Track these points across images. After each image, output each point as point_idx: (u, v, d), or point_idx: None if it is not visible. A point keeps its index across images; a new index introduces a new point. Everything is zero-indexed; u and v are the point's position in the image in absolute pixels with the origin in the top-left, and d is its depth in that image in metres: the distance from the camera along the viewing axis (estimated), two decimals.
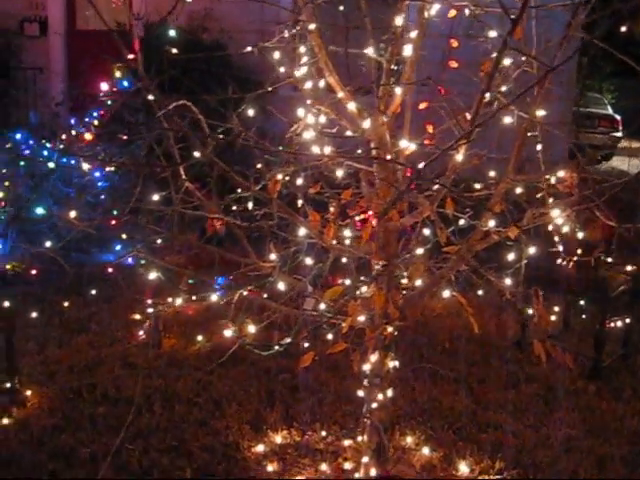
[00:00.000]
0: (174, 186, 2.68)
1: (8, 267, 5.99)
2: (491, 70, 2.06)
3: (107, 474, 3.14)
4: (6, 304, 3.63)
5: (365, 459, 2.98)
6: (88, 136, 6.55)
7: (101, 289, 5.36)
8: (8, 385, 3.77)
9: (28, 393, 3.82)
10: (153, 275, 2.94)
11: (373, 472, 2.91)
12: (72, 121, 7.14)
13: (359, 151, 2.46)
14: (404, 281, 2.72)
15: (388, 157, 2.29)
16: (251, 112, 2.65)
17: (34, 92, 9.06)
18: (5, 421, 3.61)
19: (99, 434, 3.52)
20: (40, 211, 6.01)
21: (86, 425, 3.60)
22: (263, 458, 3.34)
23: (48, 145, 6.68)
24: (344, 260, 2.62)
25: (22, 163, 6.61)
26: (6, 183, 6.37)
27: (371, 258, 2.57)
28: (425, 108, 2.69)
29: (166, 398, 3.87)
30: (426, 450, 3.37)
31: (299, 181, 2.54)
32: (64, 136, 6.93)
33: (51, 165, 6.64)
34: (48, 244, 5.03)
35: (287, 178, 2.48)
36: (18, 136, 6.76)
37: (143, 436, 3.51)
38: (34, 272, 5.67)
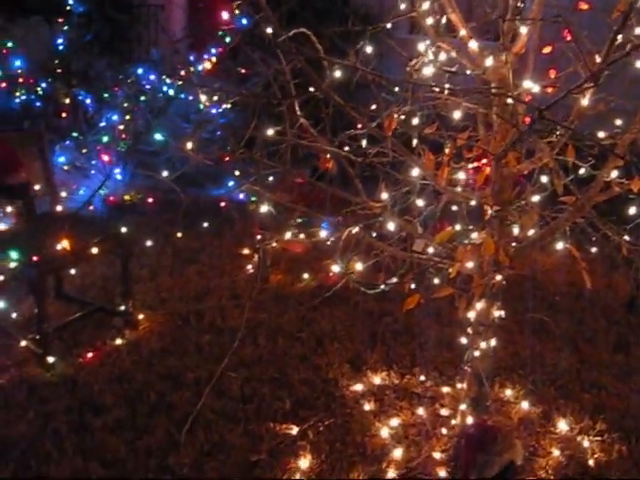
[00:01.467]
0: (289, 121, 2.69)
1: (126, 197, 6.26)
2: (626, 9, 1.94)
3: (210, 398, 3.27)
4: (123, 231, 3.78)
5: (463, 407, 2.97)
6: (208, 65, 6.69)
7: (213, 223, 5.51)
8: (122, 308, 3.96)
9: (140, 317, 4.01)
10: (263, 210, 2.98)
11: (470, 420, 2.90)
12: (191, 57, 7.29)
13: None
14: (516, 230, 2.65)
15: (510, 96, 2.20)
16: (369, 50, 2.61)
17: (156, 29, 9.25)
18: (119, 341, 3.81)
19: (204, 360, 3.65)
20: (157, 143, 6.23)
21: (192, 351, 3.75)
22: (361, 397, 3.38)
23: (168, 80, 6.85)
24: (456, 204, 2.58)
25: (143, 97, 6.84)
26: (127, 116, 6.61)
27: (484, 204, 2.51)
28: (549, 53, 2.57)
29: (270, 331, 3.96)
30: (525, 404, 3.32)
31: (415, 121, 2.50)
32: (183, 72, 7.11)
33: (170, 99, 6.85)
34: (164, 175, 5.18)
35: (402, 117, 2.44)
36: (140, 71, 6.97)
37: (246, 365, 3.62)
38: (150, 202, 5.90)
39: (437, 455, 2.96)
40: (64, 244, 3.41)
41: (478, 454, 2.70)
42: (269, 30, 2.47)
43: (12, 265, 3.44)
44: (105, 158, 6.27)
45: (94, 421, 3.17)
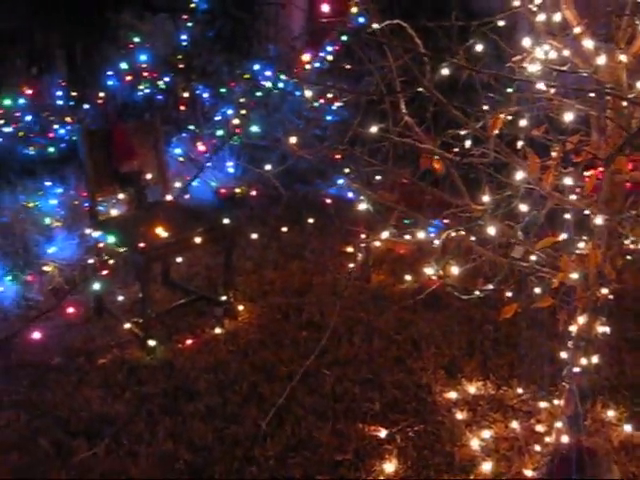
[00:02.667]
0: (392, 119, 2.65)
1: (237, 190, 6.37)
2: None
3: (301, 393, 3.27)
4: (229, 222, 3.84)
5: (559, 424, 2.83)
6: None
7: (318, 219, 5.52)
8: (224, 298, 4.03)
9: (241, 308, 4.07)
10: (365, 208, 2.94)
11: (565, 439, 2.76)
12: (307, 55, 7.34)
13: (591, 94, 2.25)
14: (627, 242, 2.50)
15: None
16: (480, 48, 2.53)
17: (275, 26, 9.38)
18: (218, 330, 3.88)
19: (299, 355, 3.66)
20: (269, 139, 6.32)
21: (288, 345, 3.77)
22: (453, 405, 3.29)
23: (283, 77, 6.94)
24: (561, 210, 2.45)
25: (258, 93, 6.95)
26: (242, 111, 6.74)
27: (592, 212, 2.38)
28: None
29: (367, 331, 3.93)
30: (628, 427, 3.13)
31: (522, 122, 2.40)
32: (298, 69, 7.18)
33: (284, 95, 6.94)
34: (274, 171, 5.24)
35: (509, 118, 2.35)
36: (256, 67, 7.09)
37: (340, 364, 3.60)
38: (258, 196, 5.99)
39: (528, 472, 2.85)
40: (171, 232, 3.50)
41: (572, 476, 2.56)
42: (376, 26, 2.43)
43: (121, 250, 3.57)
44: (216, 151, 6.40)
45: (186, 407, 3.24)
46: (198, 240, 3.60)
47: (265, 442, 3.02)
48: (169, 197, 4.04)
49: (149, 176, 3.93)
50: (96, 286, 3.89)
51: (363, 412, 3.25)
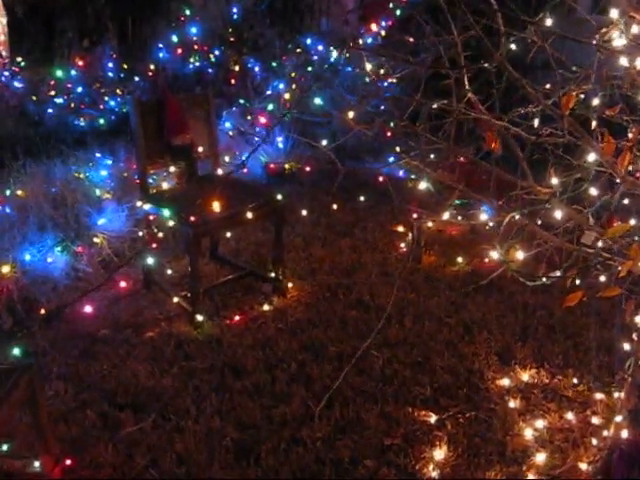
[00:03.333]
0: (456, 96, 2.54)
1: (287, 166, 6.31)
2: None
3: (350, 374, 3.21)
4: (279, 197, 3.77)
5: (618, 418, 2.72)
6: (374, 27, 6.61)
7: (369, 197, 5.44)
8: (272, 275, 3.98)
9: (290, 285, 4.02)
10: (422, 187, 2.85)
11: (624, 434, 2.65)
12: (360, 30, 7.22)
13: None
14: None
15: None
16: (549, 23, 2.40)
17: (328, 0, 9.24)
18: (266, 307, 3.83)
19: (348, 335, 3.60)
20: (321, 114, 6.23)
21: (337, 324, 3.71)
22: (506, 393, 3.20)
23: (335, 51, 6.83)
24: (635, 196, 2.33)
25: (309, 68, 6.86)
26: (293, 86, 6.66)
27: None
28: None
29: (417, 313, 3.84)
30: None
31: (595, 101, 2.27)
32: (351, 44, 7.05)
33: (336, 70, 6.83)
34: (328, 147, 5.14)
35: (582, 96, 2.23)
36: (308, 41, 6.99)
37: (389, 346, 3.53)
38: (308, 172, 5.92)
39: (583, 466, 2.75)
40: (222, 207, 3.45)
41: (631, 473, 2.46)
42: None
43: (171, 224, 3.53)
44: (266, 125, 6.34)
45: (234, 384, 3.20)
46: (250, 216, 3.54)
47: (313, 423, 2.98)
48: (219, 171, 3.98)
49: (200, 149, 3.88)
50: (146, 259, 3.87)
51: (413, 396, 3.18)
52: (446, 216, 2.69)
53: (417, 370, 3.36)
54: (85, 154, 5.77)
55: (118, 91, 7.54)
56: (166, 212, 3.59)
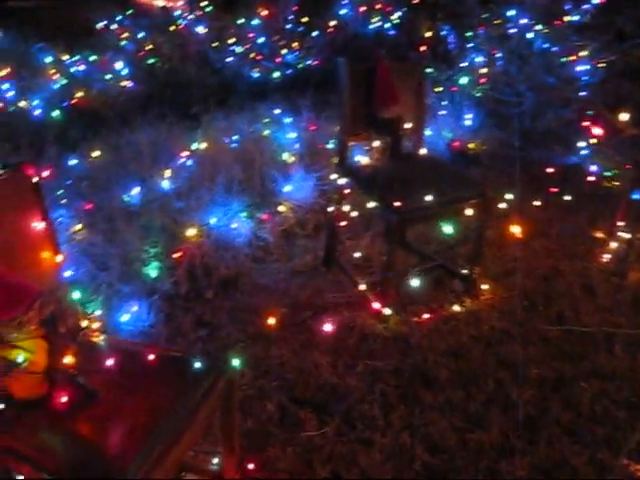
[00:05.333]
0: None
1: (471, 146, 5.85)
2: None
3: (554, 406, 2.80)
4: (489, 192, 3.35)
5: None
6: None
7: (561, 193, 4.88)
8: (465, 272, 3.59)
9: (484, 287, 3.61)
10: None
11: None
12: (567, 5, 6.57)
13: None
14: None
15: None
16: None
17: None
18: (456, 308, 3.45)
19: (550, 357, 3.16)
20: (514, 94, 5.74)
21: (537, 341, 3.26)
22: None
23: (538, 28, 6.25)
24: None
25: (507, 42, 6.32)
26: (489, 60, 6.15)
27: None
28: None
29: (628, 341, 3.33)
30: None
31: None
32: (557, 21, 6.45)
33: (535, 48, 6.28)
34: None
35: None
36: (511, 13, 6.42)
37: (598, 376, 3.06)
38: (494, 155, 5.46)
39: None
40: (430, 194, 3.08)
41: None
42: None
43: (371, 204, 3.20)
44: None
45: (424, 395, 2.86)
46: (468, 212, 3.15)
47: (513, 458, 2.59)
48: (423, 151, 3.60)
49: (408, 125, 3.51)
50: (330, 236, 3.58)
51: (626, 443, 2.72)
52: None
53: (631, 412, 2.89)
54: (264, 109, 5.57)
55: (295, 45, 7.32)
56: (366, 191, 3.25)
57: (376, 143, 3.58)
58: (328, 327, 3.17)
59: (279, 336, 3.16)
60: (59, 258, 2.05)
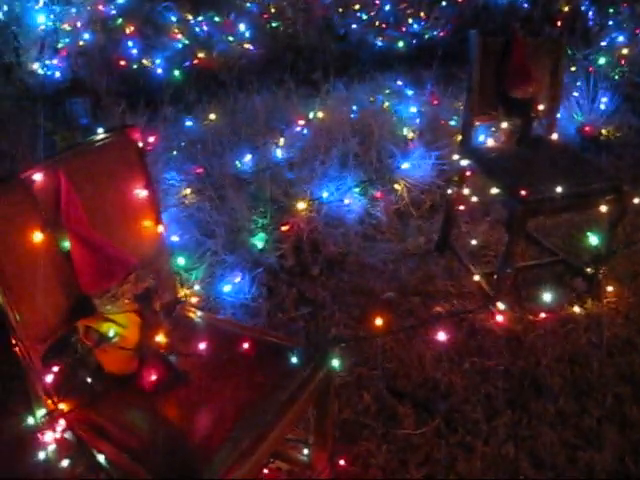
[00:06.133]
0: None
1: (603, 131, 5.45)
2: None
3: None
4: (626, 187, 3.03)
5: None
6: None
7: None
8: (589, 270, 3.30)
9: (609, 289, 3.30)
10: None
11: None
12: None
13: None
14: None
15: None
16: None
17: None
18: (576, 309, 3.18)
19: None
20: None
21: None
22: None
23: None
24: None
25: None
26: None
27: None
28: None
29: None
30: None
31: None
32: None
33: None
34: None
35: None
36: None
37: None
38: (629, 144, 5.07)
39: None
40: (561, 184, 2.82)
41: None
42: None
43: (494, 190, 2.97)
44: None
45: (533, 403, 2.64)
46: (603, 209, 2.88)
47: None
48: (554, 136, 3.32)
49: (541, 107, 3.23)
50: (446, 219, 3.38)
51: None
52: None
53: None
54: (386, 80, 5.37)
55: (422, 14, 7.05)
56: (488, 175, 3.03)
57: (504, 124, 3.31)
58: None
59: (384, 319, 3.00)
60: (160, 229, 1.96)
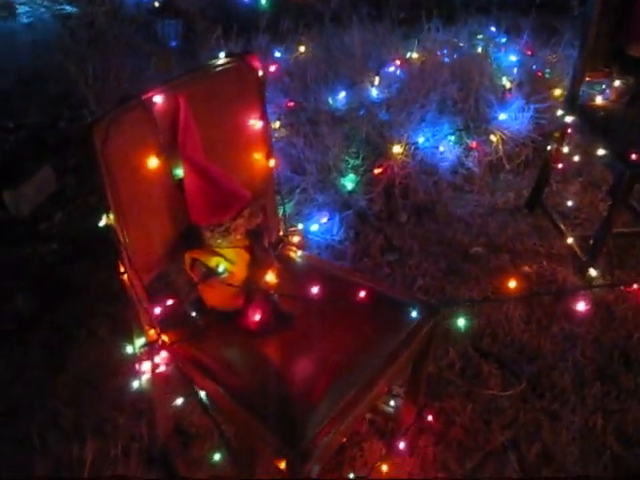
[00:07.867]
0: None
1: None
2: None
3: None
4: None
5: None
6: None
7: None
8: None
9: None
10: None
11: None
12: None
13: None
14: None
15: None
16: None
17: None
18: None
19: None
20: None
21: None
22: None
23: None
24: None
25: None
26: None
27: None
28: None
29: None
30: None
31: None
32: None
33: None
34: None
35: None
36: None
37: None
38: None
39: None
40: None
41: None
42: None
43: (599, 151, 2.82)
44: None
45: (623, 377, 2.55)
46: None
47: None
48: None
49: None
50: (540, 176, 3.25)
51: None
52: None
53: None
54: (483, 26, 5.14)
55: None
56: (594, 134, 2.88)
57: (617, 83, 3.13)
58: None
59: (470, 274, 2.92)
60: (272, 163, 1.90)
